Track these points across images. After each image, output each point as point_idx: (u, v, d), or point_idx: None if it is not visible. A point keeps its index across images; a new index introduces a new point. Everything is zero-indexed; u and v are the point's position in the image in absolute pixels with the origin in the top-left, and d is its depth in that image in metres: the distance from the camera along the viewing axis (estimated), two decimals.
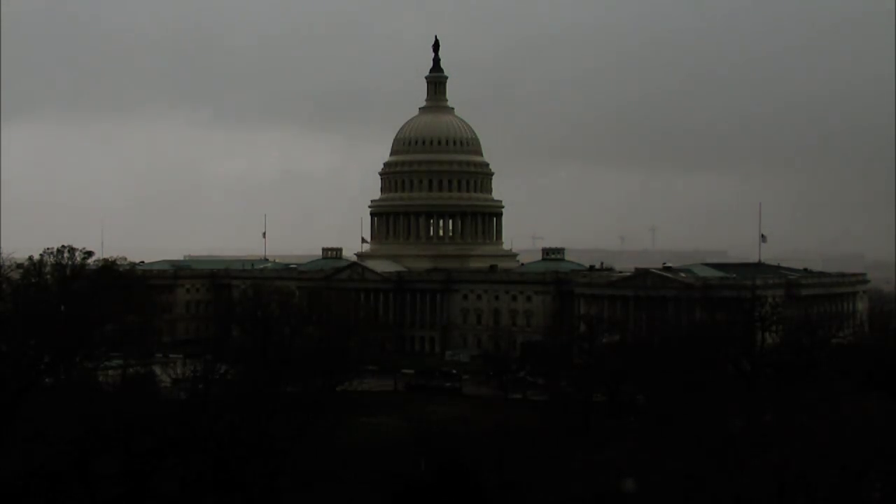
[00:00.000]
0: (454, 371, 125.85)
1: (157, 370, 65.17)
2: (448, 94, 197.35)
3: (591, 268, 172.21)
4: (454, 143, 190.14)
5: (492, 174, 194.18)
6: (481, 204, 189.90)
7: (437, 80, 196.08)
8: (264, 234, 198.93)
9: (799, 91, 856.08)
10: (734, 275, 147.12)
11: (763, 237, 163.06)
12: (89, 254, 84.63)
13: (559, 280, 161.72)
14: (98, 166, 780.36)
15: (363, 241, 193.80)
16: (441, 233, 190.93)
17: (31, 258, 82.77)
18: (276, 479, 43.74)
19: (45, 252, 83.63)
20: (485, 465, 49.32)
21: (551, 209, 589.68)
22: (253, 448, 43.36)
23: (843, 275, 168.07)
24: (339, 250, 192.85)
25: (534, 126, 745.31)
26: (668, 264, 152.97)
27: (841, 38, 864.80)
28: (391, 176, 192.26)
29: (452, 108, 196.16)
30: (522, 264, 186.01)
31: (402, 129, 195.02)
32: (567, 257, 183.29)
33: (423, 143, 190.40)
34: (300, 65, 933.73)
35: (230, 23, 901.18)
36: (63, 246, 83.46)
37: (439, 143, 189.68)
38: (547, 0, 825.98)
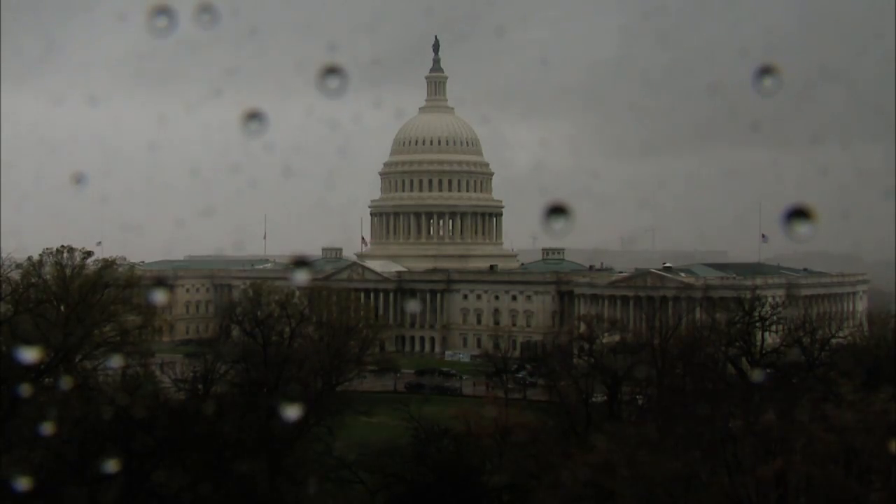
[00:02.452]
0: (454, 371, 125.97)
1: (157, 370, 65.16)
2: (448, 94, 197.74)
3: (591, 268, 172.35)
4: (454, 143, 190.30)
5: (492, 174, 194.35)
6: (481, 204, 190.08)
7: (437, 80, 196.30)
8: (265, 235, 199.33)
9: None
10: (734, 275, 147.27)
11: (764, 237, 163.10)
12: (89, 254, 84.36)
13: (559, 280, 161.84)
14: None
15: (363, 241, 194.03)
16: (441, 233, 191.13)
17: (30, 258, 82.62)
18: (276, 479, 43.74)
19: (44, 252, 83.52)
20: (485, 466, 49.32)
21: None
22: (253, 448, 43.39)
23: (843, 275, 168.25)
24: (339, 250, 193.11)
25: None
26: (668, 264, 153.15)
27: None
28: (391, 176, 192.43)
29: (452, 108, 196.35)
30: (522, 264, 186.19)
31: (402, 129, 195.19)
32: (567, 257, 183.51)
33: (423, 143, 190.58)
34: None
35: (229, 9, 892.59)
36: (63, 246, 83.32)
37: (439, 143, 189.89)
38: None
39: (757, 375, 69.59)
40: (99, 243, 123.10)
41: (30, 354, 31.02)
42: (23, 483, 23.87)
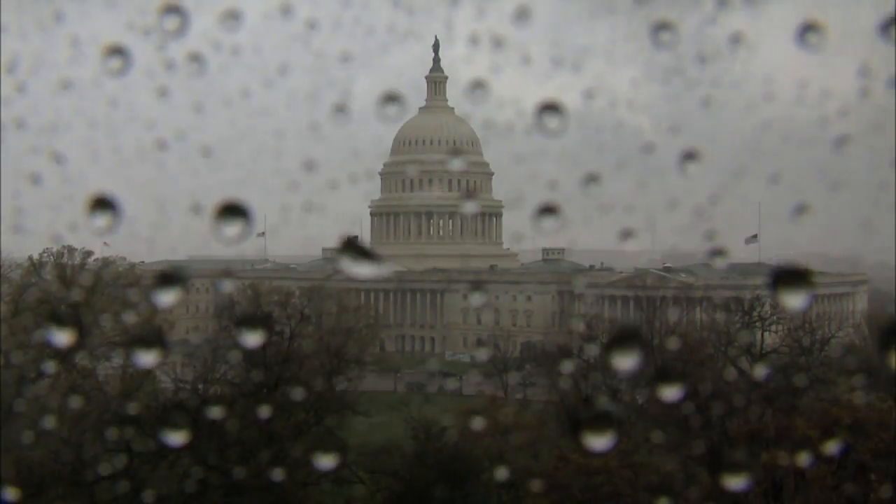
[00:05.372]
0: (454, 372, 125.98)
1: (157, 370, 65.23)
2: (448, 94, 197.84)
3: (591, 268, 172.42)
4: (454, 143, 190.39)
5: (492, 174, 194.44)
6: (481, 204, 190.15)
7: (437, 80, 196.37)
8: (263, 233, 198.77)
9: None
10: (734, 275, 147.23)
11: (755, 237, 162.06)
12: (89, 254, 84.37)
13: (559, 280, 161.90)
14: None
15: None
16: (441, 233, 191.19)
17: (30, 258, 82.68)
18: (276, 479, 43.81)
19: (44, 252, 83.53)
20: (485, 466, 49.38)
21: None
22: (253, 448, 43.45)
23: (843, 275, 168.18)
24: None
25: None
26: (668, 264, 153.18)
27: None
28: (391, 176, 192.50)
29: (452, 109, 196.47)
30: (522, 264, 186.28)
31: (401, 129, 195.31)
32: (567, 257, 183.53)
33: (423, 143, 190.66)
34: None
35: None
36: (63, 246, 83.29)
37: (439, 143, 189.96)
38: None
39: (758, 373, 69.72)
40: (106, 243, 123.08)
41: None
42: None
